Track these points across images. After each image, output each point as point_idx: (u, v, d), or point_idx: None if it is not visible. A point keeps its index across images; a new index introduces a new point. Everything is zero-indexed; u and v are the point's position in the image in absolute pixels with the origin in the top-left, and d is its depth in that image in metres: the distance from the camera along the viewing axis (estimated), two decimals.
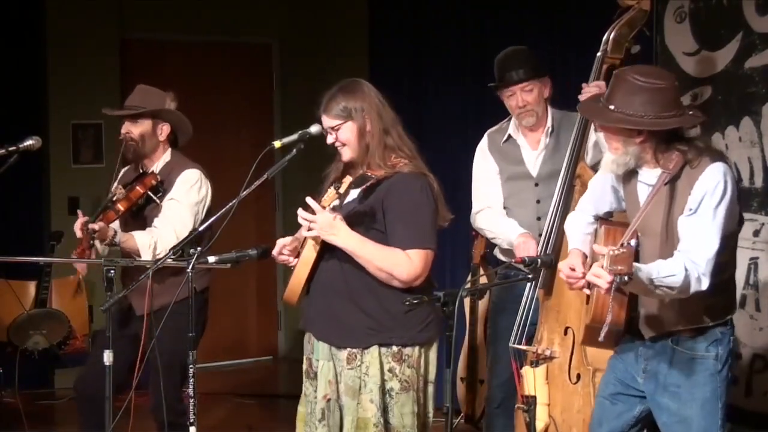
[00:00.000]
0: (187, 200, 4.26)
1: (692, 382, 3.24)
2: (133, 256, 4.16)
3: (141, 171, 4.37)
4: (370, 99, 3.48)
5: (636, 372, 3.35)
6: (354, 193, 3.51)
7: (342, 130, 3.46)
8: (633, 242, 2.92)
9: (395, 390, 3.43)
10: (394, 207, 3.43)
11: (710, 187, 3.10)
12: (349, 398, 3.43)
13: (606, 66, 4.09)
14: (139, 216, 4.30)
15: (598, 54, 4.11)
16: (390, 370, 3.43)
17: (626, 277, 2.86)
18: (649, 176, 3.23)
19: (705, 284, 3.06)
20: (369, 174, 3.47)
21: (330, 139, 3.50)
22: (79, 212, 4.10)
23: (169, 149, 4.40)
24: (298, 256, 3.54)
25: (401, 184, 3.44)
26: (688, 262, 3.04)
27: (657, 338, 3.29)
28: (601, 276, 2.91)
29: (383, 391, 3.42)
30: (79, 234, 4.00)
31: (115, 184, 4.30)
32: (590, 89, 4.04)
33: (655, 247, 3.19)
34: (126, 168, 4.54)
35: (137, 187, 4.22)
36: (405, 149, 3.50)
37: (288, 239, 3.57)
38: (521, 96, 4.24)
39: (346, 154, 3.50)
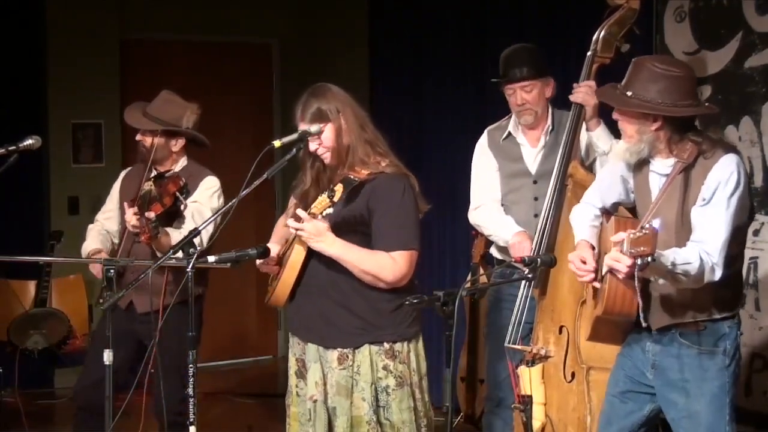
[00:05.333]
0: (209, 205, 4.32)
1: (700, 377, 3.24)
2: (158, 252, 4.15)
3: (158, 172, 4.36)
4: (340, 97, 3.49)
5: (644, 367, 3.34)
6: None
7: (324, 133, 3.44)
8: (655, 223, 2.84)
9: (391, 387, 3.44)
10: (378, 209, 3.43)
11: (724, 177, 3.11)
12: (342, 398, 3.44)
13: (596, 65, 4.12)
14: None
15: (588, 53, 4.13)
16: (384, 368, 3.44)
17: (649, 258, 2.82)
18: (662, 166, 3.23)
19: (718, 274, 3.07)
20: (352, 176, 3.40)
21: (313, 146, 3.47)
22: (126, 204, 4.14)
23: (184, 156, 4.45)
24: (278, 263, 3.55)
25: (384, 186, 3.44)
26: (702, 252, 3.04)
27: (664, 331, 3.28)
28: (621, 260, 2.89)
29: (376, 389, 3.43)
30: (135, 222, 4.04)
31: (145, 181, 4.30)
32: (581, 89, 4.05)
33: (669, 236, 3.17)
34: (129, 169, 4.55)
35: (170, 185, 4.23)
36: (380, 144, 3.50)
37: (276, 248, 3.56)
38: (521, 94, 4.27)
39: (330, 157, 3.48)
